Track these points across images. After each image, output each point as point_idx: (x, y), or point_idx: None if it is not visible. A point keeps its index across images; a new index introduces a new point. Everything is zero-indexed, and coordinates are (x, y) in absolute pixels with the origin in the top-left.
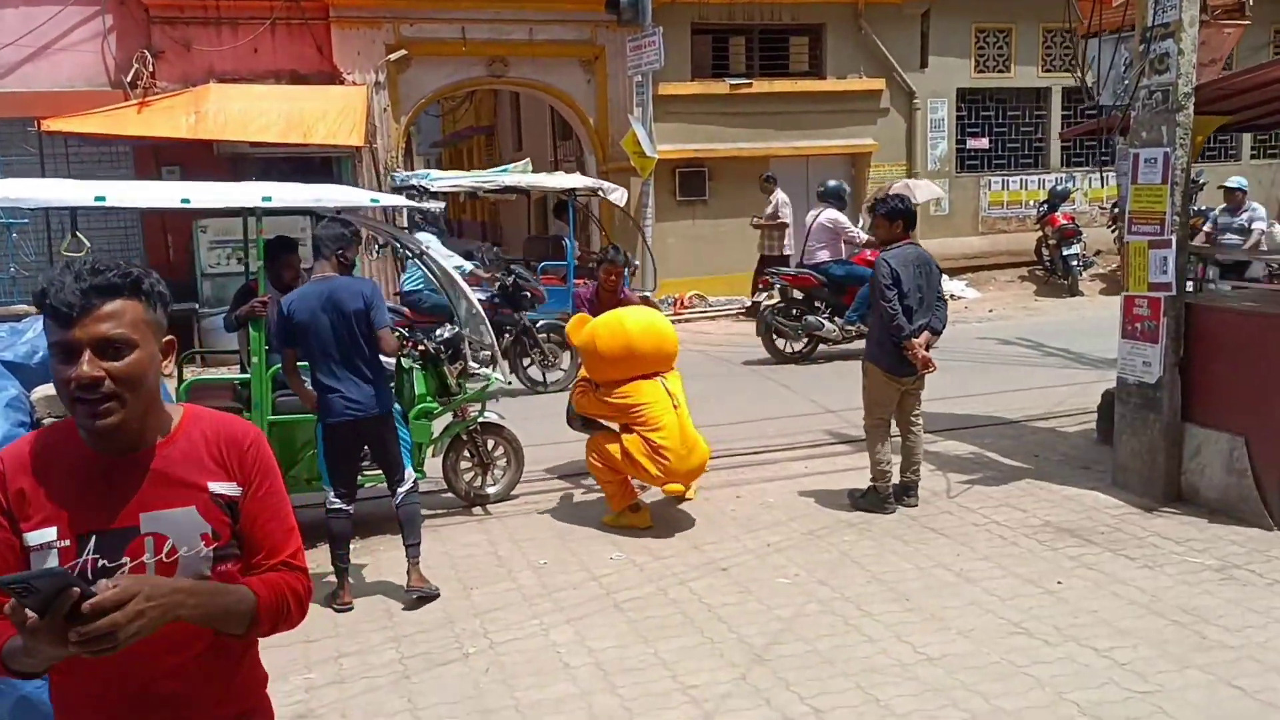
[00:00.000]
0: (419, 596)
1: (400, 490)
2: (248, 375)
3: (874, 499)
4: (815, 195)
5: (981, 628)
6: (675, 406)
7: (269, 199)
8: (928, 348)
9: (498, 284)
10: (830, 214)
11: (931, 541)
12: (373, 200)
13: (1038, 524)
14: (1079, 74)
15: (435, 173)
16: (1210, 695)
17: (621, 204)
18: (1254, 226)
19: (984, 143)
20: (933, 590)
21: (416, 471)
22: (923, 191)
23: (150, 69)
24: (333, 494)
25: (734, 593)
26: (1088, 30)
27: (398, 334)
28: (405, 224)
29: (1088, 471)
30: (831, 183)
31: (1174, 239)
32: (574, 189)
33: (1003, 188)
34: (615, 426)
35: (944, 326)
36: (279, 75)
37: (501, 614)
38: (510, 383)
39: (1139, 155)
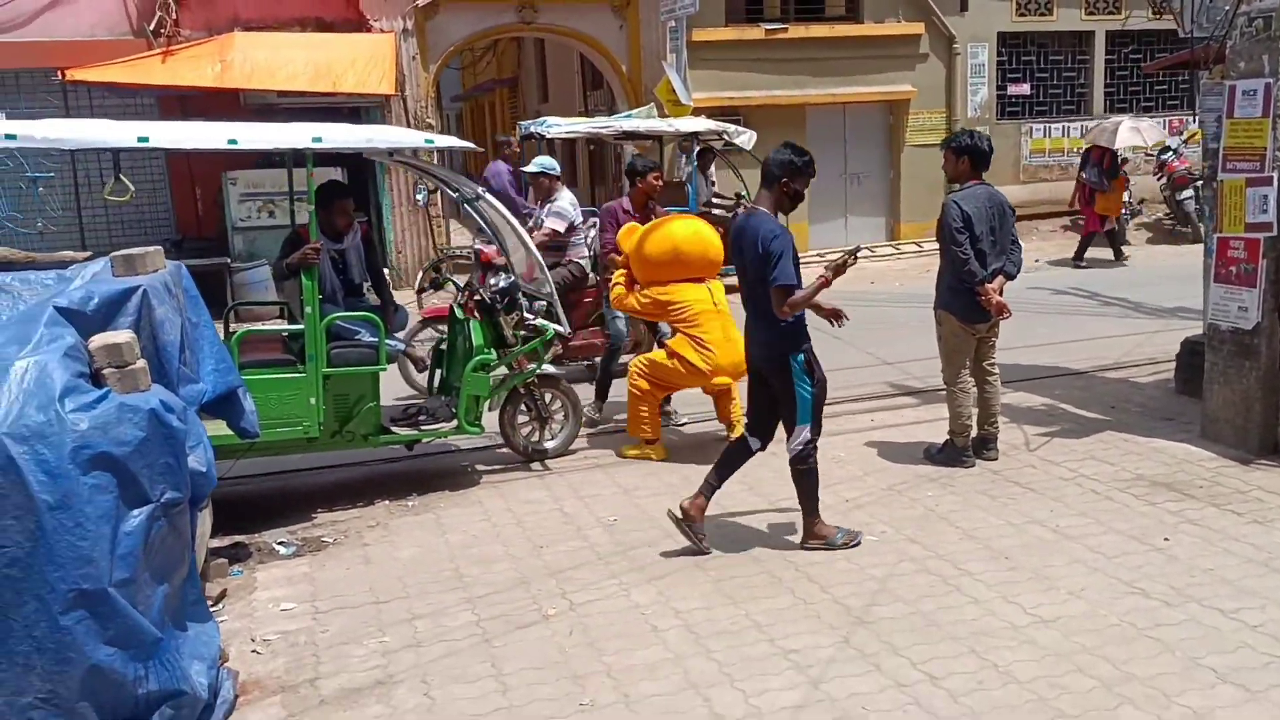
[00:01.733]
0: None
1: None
2: (299, 326)
3: (951, 453)
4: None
5: (1092, 587)
6: (717, 306)
7: (319, 139)
8: (1001, 293)
9: None
10: None
11: (1020, 497)
12: (427, 140)
13: (1129, 477)
14: (1166, 3)
15: (552, 119)
16: None
17: (749, 147)
18: None
19: (1025, 89)
20: (1031, 548)
21: (473, 426)
22: (1151, 133)
23: (174, 17)
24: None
25: (820, 552)
26: None
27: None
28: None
29: (1171, 423)
30: None
31: (1275, 175)
32: (698, 132)
33: (1044, 135)
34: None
35: (1019, 270)
36: (304, 23)
37: (577, 574)
38: (569, 332)
39: (1236, 87)
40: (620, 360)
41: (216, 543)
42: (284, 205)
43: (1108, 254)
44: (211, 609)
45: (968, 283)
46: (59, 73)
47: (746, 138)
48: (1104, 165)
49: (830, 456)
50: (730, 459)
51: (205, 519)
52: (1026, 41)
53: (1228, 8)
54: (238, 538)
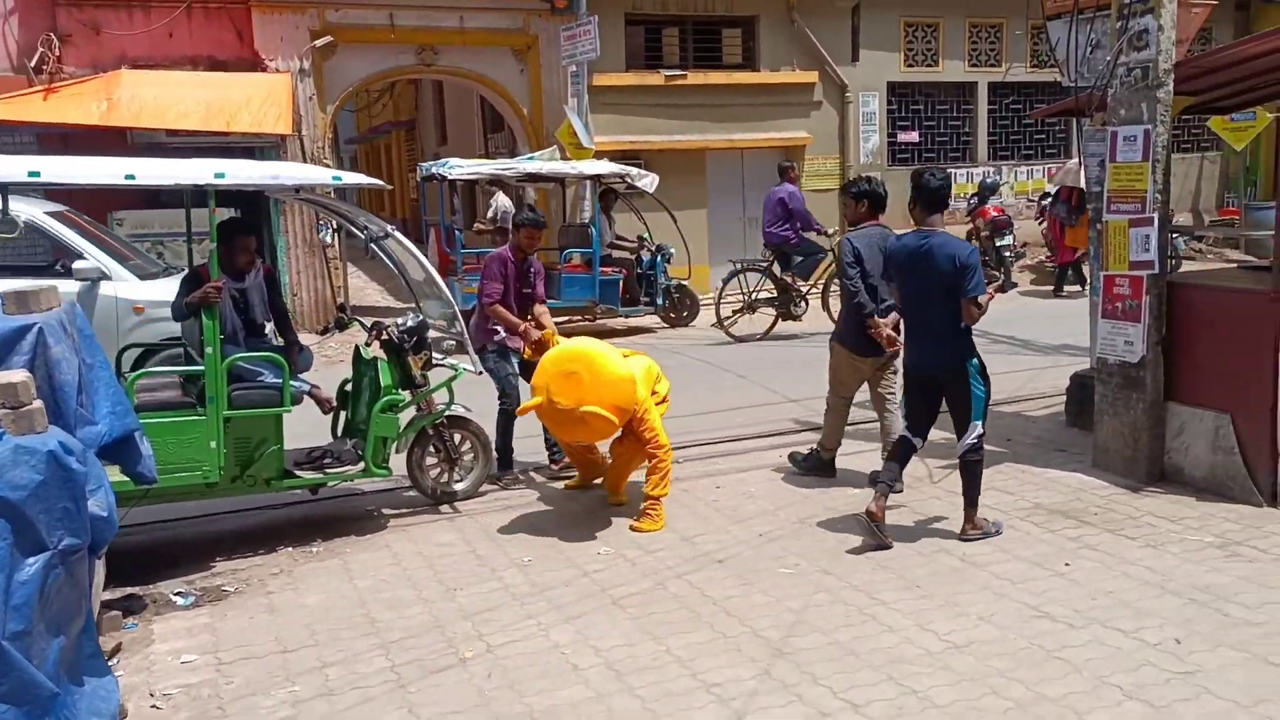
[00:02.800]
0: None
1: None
2: (199, 367)
3: (816, 461)
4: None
5: (1001, 612)
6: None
7: (222, 175)
8: (895, 328)
9: None
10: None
11: (926, 527)
12: (335, 178)
13: (1028, 506)
14: (1051, 55)
15: (455, 160)
16: (1251, 674)
17: (652, 190)
18: None
19: (914, 136)
20: (940, 576)
21: (380, 469)
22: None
23: (56, 53)
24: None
25: (736, 585)
26: (1049, 13)
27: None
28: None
29: (1064, 454)
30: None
31: (1156, 216)
32: (600, 175)
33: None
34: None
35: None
36: (196, 61)
37: (493, 615)
38: (480, 372)
39: (1118, 133)
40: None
41: (109, 595)
42: (174, 246)
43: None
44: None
45: (857, 315)
46: None
47: (649, 181)
48: (1073, 202)
49: (741, 492)
50: (901, 456)
51: (99, 570)
52: (915, 91)
53: (1109, 59)
54: (131, 589)
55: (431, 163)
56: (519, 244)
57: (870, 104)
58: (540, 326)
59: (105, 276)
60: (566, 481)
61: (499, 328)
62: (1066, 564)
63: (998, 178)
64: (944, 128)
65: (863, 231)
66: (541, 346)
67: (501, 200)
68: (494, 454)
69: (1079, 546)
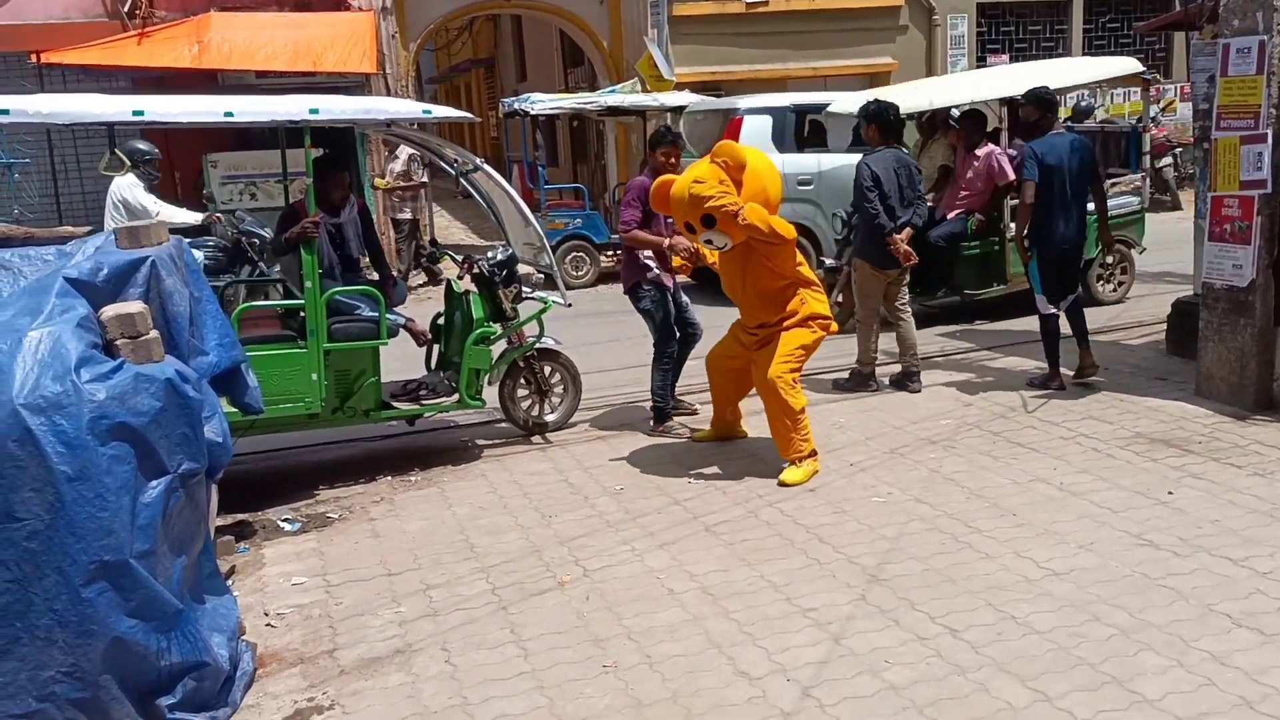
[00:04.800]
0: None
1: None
2: (299, 301)
3: (858, 379)
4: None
5: (1102, 540)
6: None
7: (317, 110)
8: (909, 241)
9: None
10: None
11: (1023, 457)
12: (425, 111)
13: (1128, 435)
14: None
15: (537, 95)
16: None
17: None
18: None
19: (1005, 59)
20: (1038, 505)
21: (474, 400)
22: None
23: None
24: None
25: (828, 513)
26: None
27: (447, 256)
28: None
29: (1165, 383)
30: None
31: (1270, 133)
32: (684, 107)
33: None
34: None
35: (923, 221)
36: (282, 2)
37: (588, 541)
38: (569, 304)
39: (1230, 45)
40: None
41: (221, 521)
42: (266, 188)
43: None
44: None
45: (879, 235)
46: (33, 56)
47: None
48: None
49: (831, 423)
50: (1057, 330)
51: (213, 495)
52: (1005, 12)
53: None
54: (242, 516)
55: (513, 98)
56: (656, 167)
57: (959, 26)
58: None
59: None
60: (696, 433)
61: (650, 261)
62: (1170, 492)
63: (1091, 100)
64: (1036, 50)
65: (878, 154)
66: (696, 257)
67: (405, 150)
68: (580, 391)
69: (1182, 475)
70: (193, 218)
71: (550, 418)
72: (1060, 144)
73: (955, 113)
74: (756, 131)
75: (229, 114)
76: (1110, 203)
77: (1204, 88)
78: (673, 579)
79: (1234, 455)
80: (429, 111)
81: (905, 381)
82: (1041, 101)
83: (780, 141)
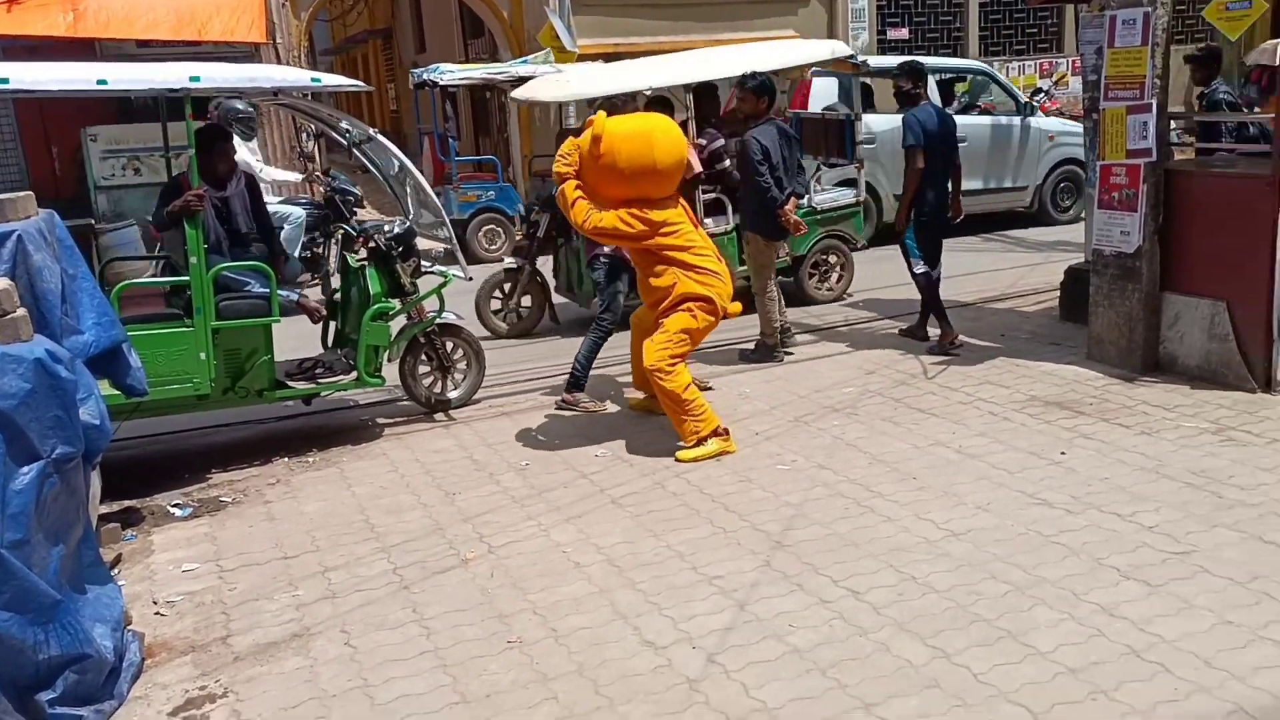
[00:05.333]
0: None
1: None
2: (184, 278)
3: (764, 351)
4: None
5: (998, 501)
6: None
7: (198, 78)
8: (796, 210)
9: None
10: None
11: (923, 422)
12: (314, 79)
13: (1023, 399)
14: None
15: (446, 66)
16: (1246, 551)
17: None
18: None
19: (904, 32)
20: (938, 468)
21: (373, 378)
22: None
23: None
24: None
25: (734, 482)
26: None
27: (344, 230)
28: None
29: (1058, 347)
30: None
31: (1154, 103)
32: None
33: None
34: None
35: (806, 192)
36: None
37: (493, 517)
38: (469, 278)
39: (1116, 17)
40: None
41: (105, 508)
42: (150, 162)
43: None
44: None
45: (771, 207)
46: None
47: None
48: (1263, 84)
49: (737, 393)
50: (938, 289)
51: (94, 481)
52: None
53: None
54: (128, 503)
55: (422, 69)
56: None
57: (859, 0)
58: None
59: None
60: (632, 400)
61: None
62: (1062, 453)
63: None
64: (934, 23)
65: (762, 128)
66: None
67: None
68: (484, 366)
69: (1075, 436)
70: (294, 176)
71: (453, 394)
72: (931, 116)
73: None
74: (823, 92)
75: (102, 82)
76: (826, 195)
77: (1093, 60)
78: (579, 552)
79: (1122, 415)
80: (318, 80)
81: (785, 339)
82: (914, 73)
83: (848, 102)
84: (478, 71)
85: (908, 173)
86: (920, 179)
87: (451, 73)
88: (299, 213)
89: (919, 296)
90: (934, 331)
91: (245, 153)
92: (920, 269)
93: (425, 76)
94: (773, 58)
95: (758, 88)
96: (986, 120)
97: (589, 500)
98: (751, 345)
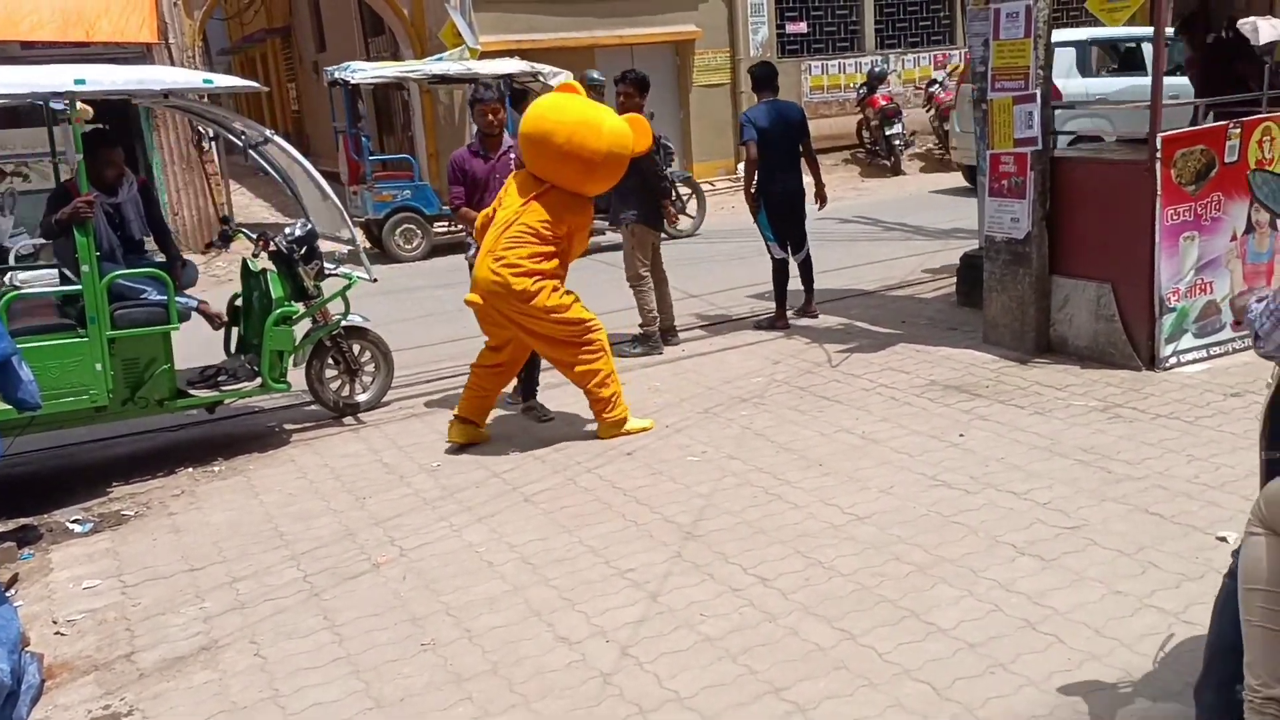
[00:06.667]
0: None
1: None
2: (76, 287)
3: (647, 343)
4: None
5: (900, 484)
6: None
7: (83, 80)
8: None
9: None
10: None
11: (828, 409)
12: (206, 81)
13: (923, 383)
14: None
15: (355, 64)
16: (1132, 524)
17: None
18: None
19: (802, 27)
20: (842, 454)
21: (279, 384)
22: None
23: None
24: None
25: (645, 475)
26: None
27: (242, 234)
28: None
29: (956, 332)
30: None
31: (1038, 93)
32: (512, 74)
33: (822, 72)
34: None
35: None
36: None
37: (404, 520)
38: (375, 279)
39: (1000, 10)
40: None
41: (1, 527)
42: (38, 167)
43: (891, 181)
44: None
45: (663, 195)
46: None
47: (562, 78)
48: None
49: (647, 387)
50: (786, 275)
51: None
52: None
53: None
54: (25, 520)
55: (334, 68)
56: (481, 127)
57: None
58: None
59: None
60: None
61: (471, 240)
62: (961, 435)
63: (885, 67)
64: (831, 18)
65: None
66: None
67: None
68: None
69: (972, 418)
70: None
71: (362, 398)
72: (769, 111)
73: None
74: (1060, 61)
75: None
76: None
77: (980, 51)
78: (492, 552)
79: (1017, 397)
80: (210, 81)
81: (669, 337)
82: (754, 80)
83: (1084, 69)
84: (390, 70)
85: (745, 163)
86: (756, 169)
87: (364, 71)
88: None
89: (814, 279)
90: (829, 316)
91: None
92: (775, 252)
93: (337, 75)
94: None
95: (639, 81)
96: None
97: (501, 499)
98: (631, 338)
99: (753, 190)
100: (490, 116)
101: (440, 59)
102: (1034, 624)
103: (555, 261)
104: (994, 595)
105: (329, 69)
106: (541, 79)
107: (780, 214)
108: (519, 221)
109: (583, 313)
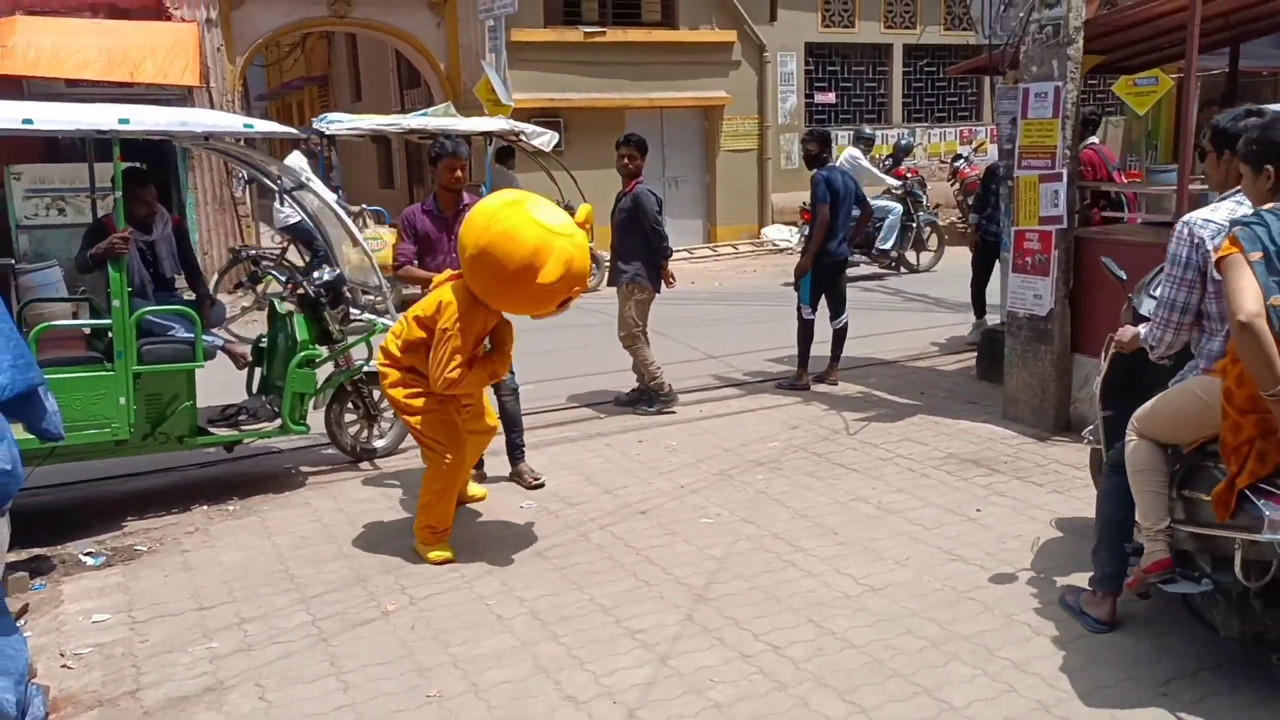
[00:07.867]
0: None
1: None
2: (106, 321)
3: (661, 395)
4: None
5: (916, 556)
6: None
7: (127, 120)
8: None
9: None
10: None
11: (844, 477)
12: (246, 125)
13: (941, 456)
14: (965, 13)
15: (333, 115)
16: (1148, 606)
17: (549, 148)
18: None
19: (831, 97)
20: (858, 523)
21: (298, 425)
22: None
23: None
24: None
25: (659, 535)
26: None
27: (271, 276)
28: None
29: (975, 406)
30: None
31: (1065, 172)
32: (490, 132)
33: (849, 141)
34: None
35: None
36: (96, 8)
37: (416, 569)
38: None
39: (1029, 90)
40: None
41: (14, 556)
42: (76, 202)
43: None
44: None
45: (664, 256)
46: None
47: (545, 139)
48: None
49: (663, 446)
50: (811, 336)
51: (3, 528)
52: (831, 52)
53: (1021, 15)
54: (38, 551)
55: (318, 117)
56: (442, 183)
57: (788, 64)
58: None
59: None
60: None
61: None
62: (978, 509)
63: (911, 139)
64: (860, 89)
65: (647, 186)
66: None
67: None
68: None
69: (989, 493)
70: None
71: (379, 443)
72: (834, 177)
73: None
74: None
75: (28, 121)
76: None
77: (1007, 129)
78: (502, 605)
79: (1035, 474)
80: (250, 125)
81: (638, 402)
82: (820, 139)
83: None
84: (366, 122)
85: (817, 223)
86: (826, 231)
87: (339, 122)
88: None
89: (843, 349)
90: (849, 384)
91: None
92: (806, 314)
93: (315, 125)
94: None
95: (641, 144)
96: None
97: (515, 553)
98: (627, 393)
99: (814, 254)
100: (459, 172)
101: (423, 114)
102: (1049, 706)
103: (421, 356)
104: (1008, 675)
105: (315, 119)
106: (524, 138)
107: (829, 279)
108: (421, 299)
109: (439, 430)
